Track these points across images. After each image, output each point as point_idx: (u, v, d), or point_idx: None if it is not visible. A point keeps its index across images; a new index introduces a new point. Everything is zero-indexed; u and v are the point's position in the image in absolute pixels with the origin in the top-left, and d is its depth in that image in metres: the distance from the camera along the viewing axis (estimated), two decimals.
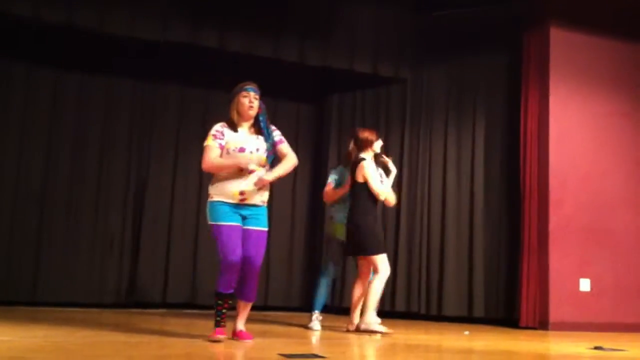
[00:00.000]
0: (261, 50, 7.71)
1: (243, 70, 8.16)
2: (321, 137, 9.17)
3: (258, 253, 4.79)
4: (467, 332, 6.48)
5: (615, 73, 7.87)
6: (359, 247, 5.94)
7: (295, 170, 8.99)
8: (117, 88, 8.29)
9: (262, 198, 4.84)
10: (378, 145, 6.14)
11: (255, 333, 5.27)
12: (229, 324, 4.82)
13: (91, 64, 8.08)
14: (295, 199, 9.09)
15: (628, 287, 7.53)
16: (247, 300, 4.91)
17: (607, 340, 5.94)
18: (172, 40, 7.38)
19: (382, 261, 5.90)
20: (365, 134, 6.13)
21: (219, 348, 4.42)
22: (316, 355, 4.06)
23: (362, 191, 5.95)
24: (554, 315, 7.17)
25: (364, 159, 6.00)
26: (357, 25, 8.15)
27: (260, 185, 4.76)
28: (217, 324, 4.74)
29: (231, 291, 4.76)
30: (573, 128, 7.60)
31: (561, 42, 7.65)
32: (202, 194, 7.89)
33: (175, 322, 6.29)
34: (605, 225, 7.57)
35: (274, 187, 8.91)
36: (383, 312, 7.84)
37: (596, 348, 5.22)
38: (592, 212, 7.54)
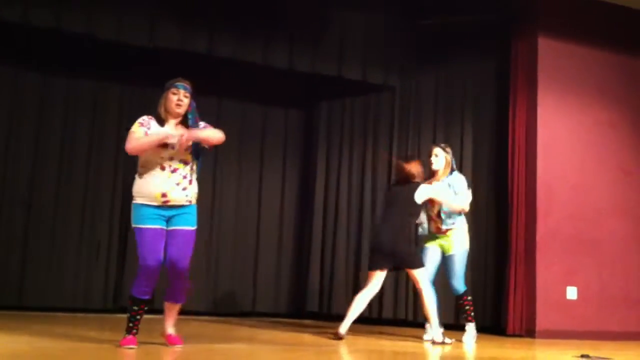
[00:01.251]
0: (250, 56, 7.70)
1: (232, 76, 8.23)
2: (310, 143, 9.16)
3: (184, 254, 4.56)
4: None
5: (602, 83, 7.90)
6: None
7: (284, 176, 9.07)
8: (105, 92, 8.27)
9: (187, 197, 4.56)
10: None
11: (242, 339, 5.26)
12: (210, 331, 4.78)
13: (79, 67, 8.06)
14: (284, 205, 9.08)
15: (613, 296, 7.55)
16: (175, 301, 4.74)
17: (593, 348, 5.95)
18: (160, 45, 7.35)
19: (422, 274, 6.02)
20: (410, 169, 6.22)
21: (201, 355, 4.38)
22: None
23: None
24: (541, 323, 7.17)
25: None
26: (347, 32, 8.16)
27: (183, 143, 4.48)
28: (129, 331, 4.53)
29: (147, 297, 4.57)
30: (561, 137, 7.62)
31: (549, 51, 7.68)
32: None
33: (160, 328, 6.24)
34: (592, 234, 7.59)
35: (263, 193, 8.94)
36: (370, 320, 7.87)
37: (583, 356, 5.22)
38: (579, 221, 7.56)
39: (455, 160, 8.08)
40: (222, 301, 8.42)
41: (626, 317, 7.55)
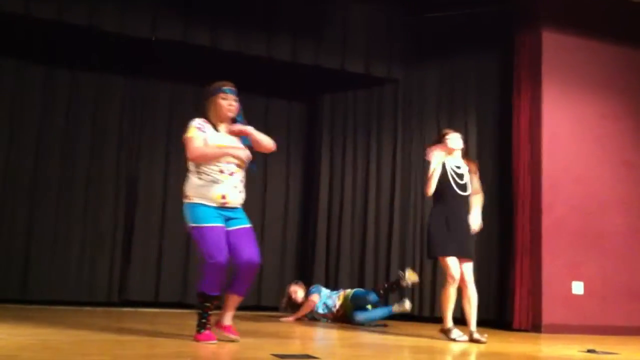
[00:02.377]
0: (253, 48, 7.67)
1: (235, 68, 8.19)
2: (313, 136, 9.14)
3: (257, 250, 4.71)
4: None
5: (606, 76, 7.88)
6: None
7: (288, 169, 9.05)
8: (108, 85, 8.26)
9: (241, 200, 4.76)
10: (454, 139, 5.96)
11: (247, 332, 5.26)
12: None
13: (82, 60, 8.05)
14: (288, 198, 9.07)
15: (618, 290, 7.53)
16: (243, 294, 4.79)
17: (598, 343, 5.94)
18: (163, 38, 7.33)
19: (444, 266, 5.78)
20: (436, 137, 6.08)
21: (209, 347, 4.38)
22: (309, 356, 4.03)
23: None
24: (546, 317, 7.16)
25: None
26: (350, 25, 8.13)
27: (237, 131, 4.68)
28: (204, 327, 4.62)
29: (217, 293, 4.64)
30: (565, 130, 7.60)
31: (553, 44, 7.66)
32: None
33: (166, 322, 6.25)
34: (596, 228, 7.58)
35: (267, 186, 8.92)
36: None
37: (589, 351, 5.21)
38: (584, 215, 7.54)
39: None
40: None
41: (630, 312, 7.54)
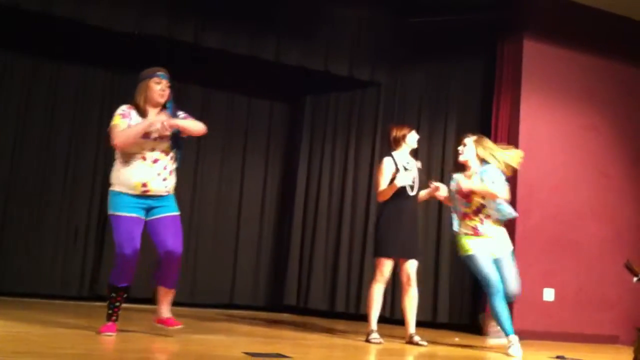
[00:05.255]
0: (237, 47, 7.66)
1: (218, 65, 8.19)
2: (293, 136, 9.14)
3: (177, 238, 4.61)
4: (456, 339, 6.51)
5: (586, 87, 7.97)
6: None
7: (266, 169, 9.04)
8: (89, 78, 8.19)
9: (166, 188, 4.62)
10: (413, 138, 5.90)
11: (220, 331, 5.26)
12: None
13: (64, 52, 7.97)
14: (265, 198, 9.05)
15: (590, 298, 7.62)
16: (170, 287, 4.74)
17: (568, 350, 6.01)
18: (147, 33, 7.29)
19: (378, 265, 5.73)
20: (393, 132, 5.94)
21: (180, 344, 4.37)
22: (281, 355, 4.04)
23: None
24: (517, 323, 7.15)
25: (390, 155, 5.83)
26: (335, 28, 8.13)
27: (165, 129, 4.53)
28: (108, 318, 4.57)
29: (125, 284, 4.62)
30: (543, 139, 7.68)
31: (534, 53, 7.73)
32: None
33: (138, 317, 6.22)
34: (571, 236, 7.65)
35: (244, 185, 8.91)
36: (349, 315, 7.89)
37: (558, 357, 5.27)
38: (558, 223, 7.62)
39: (438, 158, 8.13)
40: (200, 292, 8.37)
41: (601, 320, 7.62)
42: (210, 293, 8.41)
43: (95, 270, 7.98)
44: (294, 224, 8.67)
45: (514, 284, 5.53)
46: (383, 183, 5.74)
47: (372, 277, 5.83)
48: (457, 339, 6.48)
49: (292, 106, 9.27)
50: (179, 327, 4.68)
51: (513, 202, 7.40)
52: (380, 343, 5.49)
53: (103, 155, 8.10)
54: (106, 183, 8.00)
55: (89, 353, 3.70)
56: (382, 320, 5.82)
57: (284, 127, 9.26)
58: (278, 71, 8.33)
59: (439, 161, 8.15)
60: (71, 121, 8.06)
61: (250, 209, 8.88)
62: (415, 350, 5.35)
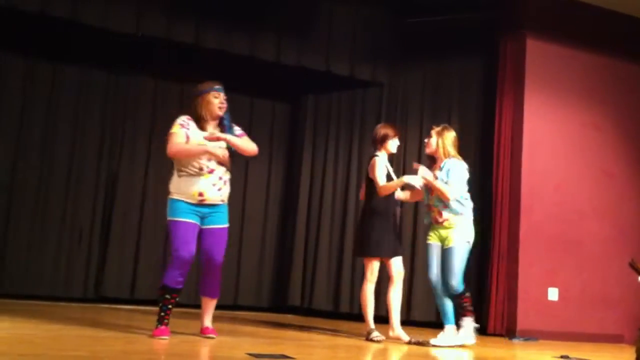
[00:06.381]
0: (237, 47, 7.66)
1: (219, 67, 8.18)
2: (295, 136, 9.14)
3: (219, 250, 4.85)
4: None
5: (589, 85, 7.97)
6: (355, 247, 5.96)
7: (270, 169, 9.04)
8: (90, 79, 8.18)
9: (221, 197, 4.86)
10: (393, 144, 5.95)
11: (223, 332, 5.26)
12: (194, 323, 4.79)
13: (64, 53, 7.97)
14: (269, 198, 9.05)
15: (593, 297, 7.61)
16: (212, 296, 4.96)
17: (572, 349, 6.00)
18: (146, 34, 7.29)
19: (368, 265, 5.75)
20: (381, 132, 5.97)
21: (185, 345, 4.38)
22: (284, 356, 4.04)
23: (374, 189, 5.79)
24: (521, 323, 7.22)
25: (377, 155, 5.86)
26: (336, 28, 8.13)
27: (211, 138, 4.76)
28: (161, 321, 4.69)
29: (179, 287, 4.76)
30: (545, 138, 7.67)
31: (537, 51, 7.73)
32: None
33: (142, 318, 6.23)
34: (574, 235, 7.65)
35: (248, 185, 8.91)
36: (353, 316, 7.87)
37: (562, 357, 5.26)
38: (562, 221, 7.61)
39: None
40: None
41: (604, 319, 7.62)
42: None
43: (99, 272, 7.97)
44: (297, 225, 8.66)
45: (449, 277, 5.68)
46: (383, 178, 5.76)
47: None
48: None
49: (294, 106, 9.26)
50: (212, 336, 4.86)
51: (516, 200, 7.43)
52: (382, 340, 5.53)
53: (106, 155, 8.13)
54: (110, 186, 8.17)
55: (93, 355, 3.70)
56: (378, 320, 5.80)
57: (286, 127, 9.25)
58: (279, 71, 8.33)
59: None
60: (72, 121, 8.05)
61: (253, 210, 8.87)
62: (420, 350, 5.34)
